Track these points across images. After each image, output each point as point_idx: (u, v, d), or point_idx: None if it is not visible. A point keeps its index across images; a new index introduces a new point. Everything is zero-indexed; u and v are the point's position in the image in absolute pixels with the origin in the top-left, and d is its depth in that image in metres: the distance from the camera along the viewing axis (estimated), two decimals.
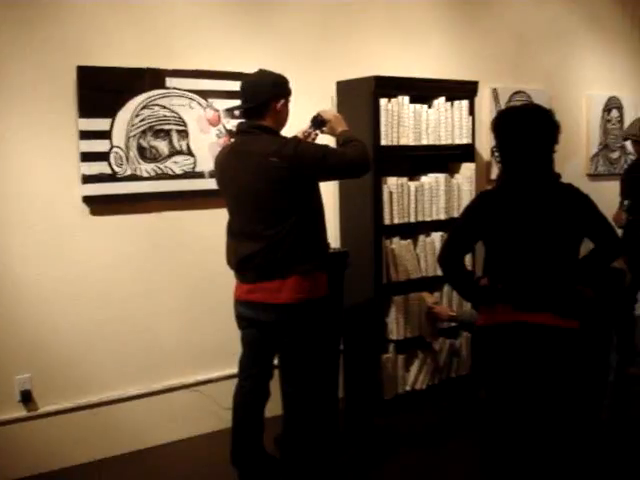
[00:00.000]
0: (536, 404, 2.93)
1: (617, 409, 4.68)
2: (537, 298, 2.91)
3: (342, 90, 4.56)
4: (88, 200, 3.88)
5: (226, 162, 3.41)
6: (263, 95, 3.30)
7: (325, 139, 3.62)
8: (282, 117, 3.40)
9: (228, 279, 3.47)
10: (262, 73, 3.39)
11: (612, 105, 6.58)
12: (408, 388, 4.67)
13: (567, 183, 3.05)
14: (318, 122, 3.54)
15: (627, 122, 6.21)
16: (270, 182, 3.21)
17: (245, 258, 3.31)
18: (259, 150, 3.23)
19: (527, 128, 2.94)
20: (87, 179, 3.84)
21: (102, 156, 3.86)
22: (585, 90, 6.37)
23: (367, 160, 3.34)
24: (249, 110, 3.36)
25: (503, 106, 5.45)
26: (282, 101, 3.35)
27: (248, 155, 3.27)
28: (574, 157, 6.23)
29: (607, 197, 5.36)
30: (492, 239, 3.04)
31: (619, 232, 5.06)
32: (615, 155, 6.63)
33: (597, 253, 3.04)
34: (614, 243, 3.01)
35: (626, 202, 5.22)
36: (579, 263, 3.06)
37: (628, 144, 5.75)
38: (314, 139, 3.56)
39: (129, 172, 3.94)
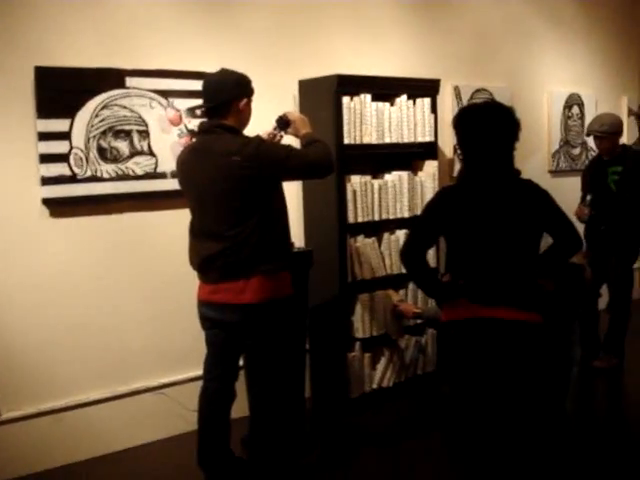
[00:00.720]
0: (499, 398, 2.96)
1: (581, 402, 4.74)
2: (498, 293, 2.93)
3: (304, 89, 4.55)
4: (48, 202, 3.82)
5: (188, 162, 3.38)
6: (225, 94, 3.29)
7: (289, 140, 3.60)
8: (244, 116, 3.39)
9: (192, 280, 3.44)
10: (224, 72, 3.37)
11: (573, 102, 6.65)
12: (375, 386, 4.67)
13: (527, 179, 3.08)
14: (283, 122, 3.54)
15: (588, 119, 6.29)
16: (232, 181, 3.19)
17: (207, 258, 3.29)
18: (221, 149, 3.22)
19: (488, 125, 2.97)
20: (46, 181, 3.79)
21: (61, 157, 3.81)
22: (546, 87, 6.44)
23: (330, 161, 3.35)
24: (211, 109, 3.34)
25: (465, 104, 5.48)
26: (245, 100, 3.34)
27: (210, 154, 3.25)
28: (536, 154, 6.30)
29: (569, 193, 5.43)
30: (453, 235, 3.06)
31: (581, 227, 5.14)
32: (576, 151, 6.71)
33: (556, 248, 3.08)
34: (573, 238, 3.05)
35: (588, 197, 5.28)
36: (539, 258, 3.09)
37: (590, 140, 5.82)
38: (279, 140, 3.55)
39: (89, 173, 3.89)
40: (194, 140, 3.60)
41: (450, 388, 3.17)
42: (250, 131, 3.40)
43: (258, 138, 3.30)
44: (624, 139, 6.85)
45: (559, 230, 3.04)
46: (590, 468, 3.78)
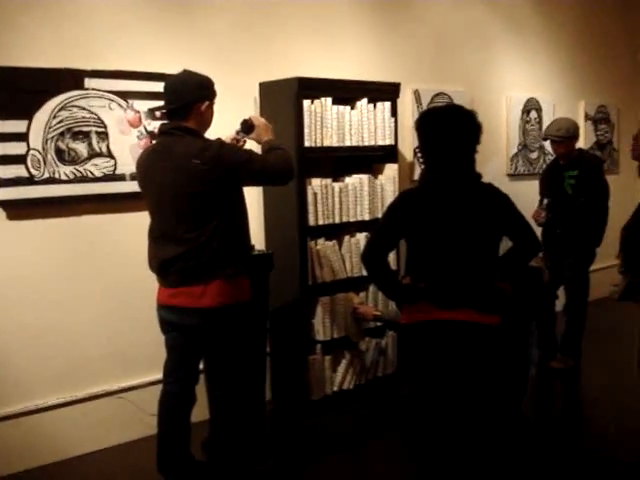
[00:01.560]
0: (457, 398, 2.99)
1: (539, 402, 4.81)
2: (458, 296, 2.96)
3: (265, 91, 4.55)
4: (4, 204, 3.76)
5: (148, 164, 3.36)
6: (187, 96, 3.27)
7: (251, 147, 3.59)
8: (206, 119, 3.37)
9: (152, 283, 3.42)
10: (187, 74, 3.35)
11: (531, 106, 6.74)
12: (335, 389, 4.68)
13: (487, 183, 3.12)
14: (248, 126, 3.54)
15: (546, 123, 6.36)
16: (192, 184, 3.17)
17: (166, 261, 3.27)
18: (181, 152, 3.20)
19: (450, 128, 3.00)
20: (3, 183, 3.73)
21: (18, 159, 3.75)
22: (505, 91, 6.51)
23: (291, 168, 3.37)
24: (172, 111, 3.32)
25: (425, 107, 5.53)
26: (206, 103, 3.32)
27: (170, 157, 3.23)
28: (495, 157, 6.37)
29: (527, 196, 5.49)
30: (414, 238, 3.09)
31: (538, 230, 5.21)
32: (534, 155, 6.80)
33: (516, 251, 3.13)
34: (532, 242, 3.11)
35: (545, 200, 5.35)
36: (499, 261, 3.13)
37: (547, 144, 5.90)
38: (242, 145, 3.55)
39: (47, 175, 3.84)
40: (154, 142, 3.56)
41: (410, 389, 3.19)
42: (211, 133, 3.40)
43: (219, 141, 3.29)
44: (581, 144, 6.96)
45: (518, 234, 3.09)
46: (547, 466, 3.83)
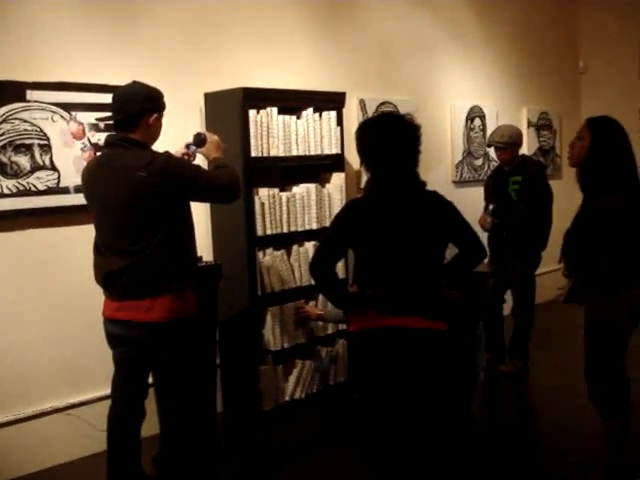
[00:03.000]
0: (406, 404, 3.02)
1: (489, 405, 4.87)
2: (405, 302, 2.99)
3: (210, 102, 4.54)
4: None
5: (93, 175, 3.32)
6: (135, 107, 3.24)
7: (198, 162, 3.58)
8: (154, 131, 3.34)
9: (98, 297, 3.37)
10: (135, 85, 3.33)
11: (475, 114, 6.85)
12: (287, 398, 4.67)
13: (432, 191, 3.16)
14: (201, 139, 3.53)
15: (489, 130, 6.47)
16: (137, 197, 3.14)
17: (111, 274, 3.23)
18: (127, 164, 3.17)
19: (387, 136, 3.03)
20: None
21: None
22: (449, 100, 6.60)
23: (238, 187, 3.37)
24: (119, 122, 3.28)
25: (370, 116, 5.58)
26: (155, 115, 3.29)
27: (115, 168, 3.19)
28: (440, 165, 6.45)
29: (472, 202, 5.58)
30: (360, 246, 3.10)
31: (484, 235, 5.29)
32: (479, 162, 6.91)
33: (461, 258, 3.17)
34: (477, 248, 3.15)
35: (491, 206, 5.45)
36: (445, 267, 3.17)
37: (491, 151, 6.00)
38: (192, 160, 3.53)
39: None
40: (100, 153, 3.50)
41: (361, 396, 3.21)
42: (158, 144, 3.37)
43: (167, 154, 3.25)
44: (524, 150, 7.10)
45: (464, 241, 3.13)
46: (497, 469, 3.88)
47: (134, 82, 3.34)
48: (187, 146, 3.55)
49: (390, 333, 2.96)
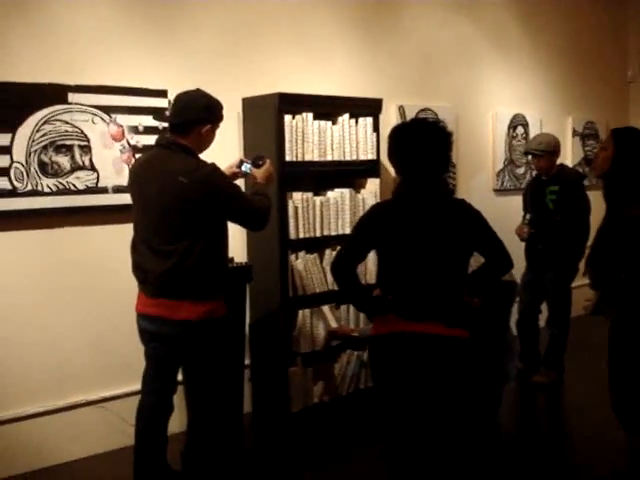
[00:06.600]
0: (425, 410, 3.02)
1: (522, 415, 4.82)
2: (426, 309, 3.00)
3: (248, 106, 4.61)
4: None
5: (139, 173, 3.43)
6: (191, 115, 3.32)
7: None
8: (205, 141, 3.42)
9: (132, 294, 3.47)
10: (197, 93, 3.42)
11: (517, 122, 6.80)
12: (316, 400, 4.70)
13: (460, 199, 3.17)
14: (259, 159, 3.65)
15: None
16: (173, 200, 3.22)
17: (143, 270, 3.33)
18: (171, 167, 3.25)
19: (417, 142, 3.03)
20: None
21: (2, 171, 3.82)
22: (491, 108, 6.57)
23: (267, 219, 3.47)
24: (174, 125, 3.38)
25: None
26: (208, 126, 3.37)
27: (159, 170, 3.29)
28: (481, 172, 6.42)
29: (513, 211, 5.58)
30: (384, 250, 3.12)
31: (521, 245, 5.27)
32: (521, 170, 6.86)
33: (487, 268, 3.16)
34: (503, 258, 3.13)
35: (528, 216, 5.41)
36: (471, 276, 3.17)
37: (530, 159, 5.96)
38: (239, 177, 3.65)
39: (30, 187, 3.90)
40: (150, 152, 3.55)
41: (380, 400, 3.23)
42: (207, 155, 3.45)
43: (212, 166, 3.32)
44: (569, 159, 7.05)
45: (490, 251, 3.12)
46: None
47: (198, 90, 3.43)
48: (241, 162, 3.64)
49: (409, 338, 2.97)
